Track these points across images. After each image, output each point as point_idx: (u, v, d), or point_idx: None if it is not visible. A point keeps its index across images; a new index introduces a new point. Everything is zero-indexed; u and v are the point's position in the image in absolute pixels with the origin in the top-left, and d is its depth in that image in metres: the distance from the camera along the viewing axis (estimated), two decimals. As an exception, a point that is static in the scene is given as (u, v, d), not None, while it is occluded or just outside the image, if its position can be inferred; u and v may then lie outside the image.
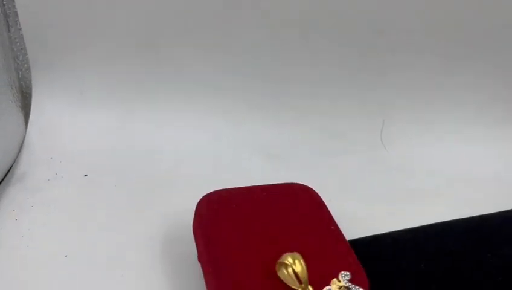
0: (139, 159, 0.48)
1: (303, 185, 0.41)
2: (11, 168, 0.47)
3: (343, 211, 0.44)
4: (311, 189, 0.41)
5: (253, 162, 0.49)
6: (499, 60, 0.52)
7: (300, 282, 0.32)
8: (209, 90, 0.51)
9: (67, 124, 0.51)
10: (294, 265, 0.32)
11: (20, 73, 0.53)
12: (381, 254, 0.39)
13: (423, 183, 0.48)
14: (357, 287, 0.32)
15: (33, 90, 0.52)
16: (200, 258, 0.35)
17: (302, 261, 0.32)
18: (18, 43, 0.51)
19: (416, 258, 0.39)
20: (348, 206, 0.45)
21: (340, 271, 0.33)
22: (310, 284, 0.32)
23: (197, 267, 0.36)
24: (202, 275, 0.35)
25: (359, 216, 0.44)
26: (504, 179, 0.49)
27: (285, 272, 0.32)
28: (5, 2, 0.49)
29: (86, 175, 0.47)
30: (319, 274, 0.33)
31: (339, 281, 0.32)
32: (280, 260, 0.32)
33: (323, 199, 0.40)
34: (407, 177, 0.49)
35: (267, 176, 0.42)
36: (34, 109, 0.52)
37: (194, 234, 0.37)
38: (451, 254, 0.40)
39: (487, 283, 0.37)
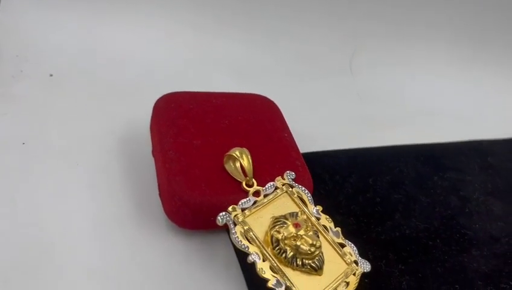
0: (105, 63, 0.48)
1: (264, 97, 0.42)
2: (-25, 62, 0.47)
3: (304, 130, 0.44)
4: (272, 101, 0.42)
5: (220, 78, 0.49)
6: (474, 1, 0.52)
7: (245, 175, 0.33)
8: (182, 1, 0.50)
9: (36, 24, 0.50)
10: (241, 159, 0.33)
11: (-11, -32, 0.51)
12: (332, 167, 0.41)
13: (384, 111, 0.49)
14: (301, 186, 0.34)
15: (2, -13, 0.51)
16: (154, 152, 0.36)
17: (249, 156, 0.33)
18: None
19: (366, 174, 0.41)
20: (309, 125, 0.46)
21: (286, 171, 0.34)
22: (255, 178, 0.33)
23: (151, 162, 0.37)
24: (155, 169, 0.36)
25: (318, 136, 0.45)
26: (462, 115, 0.50)
27: (232, 165, 0.33)
28: None
29: (51, 75, 0.47)
30: (266, 171, 0.34)
31: (283, 179, 0.34)
32: (228, 153, 0.33)
33: (286, 117, 0.41)
34: (369, 105, 0.50)
35: (233, 91, 0.42)
36: (2, 6, 0.50)
37: (150, 129, 0.38)
38: (400, 173, 0.42)
39: (430, 200, 0.39)
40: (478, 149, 0.46)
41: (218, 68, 0.50)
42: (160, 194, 0.34)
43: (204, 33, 0.51)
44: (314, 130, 0.46)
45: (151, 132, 0.37)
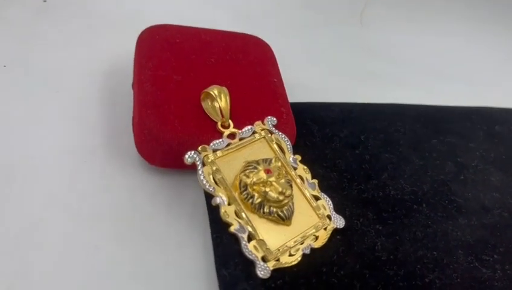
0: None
1: (259, 39, 0.39)
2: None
3: (300, 80, 0.43)
4: (266, 44, 0.39)
5: (217, 16, 0.46)
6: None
7: (222, 116, 0.31)
8: None
9: None
10: (218, 98, 0.31)
11: None
12: (323, 120, 0.38)
13: (390, 68, 0.46)
14: (281, 133, 0.32)
15: None
16: (133, 84, 0.34)
17: (228, 96, 0.31)
18: None
19: (359, 130, 0.38)
20: (306, 76, 0.44)
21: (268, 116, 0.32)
22: (234, 121, 0.31)
23: (131, 96, 0.35)
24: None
25: (315, 88, 0.43)
26: (473, 80, 0.46)
27: (209, 104, 0.31)
28: None
29: (45, 0, 0.45)
30: (246, 114, 0.32)
31: (263, 124, 0.32)
32: (206, 90, 0.31)
33: (283, 65, 0.38)
34: (375, 59, 0.46)
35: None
36: None
37: (133, 62, 0.36)
38: (396, 132, 0.39)
39: (423, 163, 0.37)
40: (486, 116, 0.43)
41: (216, 6, 0.47)
42: (133, 128, 0.32)
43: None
44: (312, 82, 0.43)
45: (133, 64, 0.35)
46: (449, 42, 0.48)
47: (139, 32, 0.37)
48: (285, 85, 0.36)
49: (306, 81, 0.43)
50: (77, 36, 0.42)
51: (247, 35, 0.39)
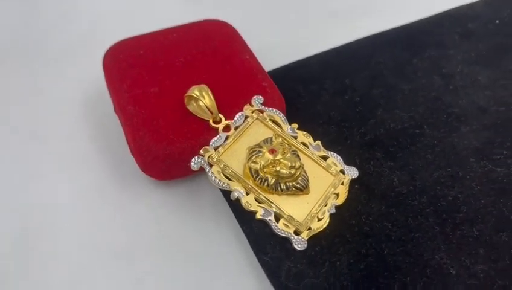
0: (53, 25, 0.45)
1: (217, 21, 0.39)
2: None
3: (271, 44, 0.42)
4: (226, 23, 0.38)
5: (168, 8, 0.46)
6: None
7: (211, 112, 0.31)
8: None
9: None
10: (202, 98, 0.31)
11: None
12: (305, 77, 0.38)
13: (350, 1, 0.46)
14: (271, 108, 0.32)
15: None
16: (115, 110, 0.34)
17: (209, 92, 0.31)
18: None
19: (341, 75, 0.39)
20: (273, 39, 0.44)
21: (254, 96, 0.32)
22: (222, 113, 0.32)
23: (117, 120, 0.35)
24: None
25: (286, 47, 0.42)
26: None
27: (195, 105, 0.31)
28: None
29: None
30: (233, 102, 0.32)
31: (252, 106, 0.32)
32: (187, 94, 0.31)
33: (246, 37, 0.38)
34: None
35: (185, 19, 0.39)
36: None
37: (106, 85, 0.36)
38: (377, 65, 0.39)
39: (412, 86, 0.37)
40: (456, 17, 0.43)
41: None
42: (131, 152, 0.33)
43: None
44: (281, 43, 0.43)
45: (108, 90, 0.35)
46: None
47: (100, 52, 0.37)
48: (258, 57, 0.36)
49: (275, 44, 0.43)
50: (42, 77, 0.41)
51: (205, 21, 0.38)
